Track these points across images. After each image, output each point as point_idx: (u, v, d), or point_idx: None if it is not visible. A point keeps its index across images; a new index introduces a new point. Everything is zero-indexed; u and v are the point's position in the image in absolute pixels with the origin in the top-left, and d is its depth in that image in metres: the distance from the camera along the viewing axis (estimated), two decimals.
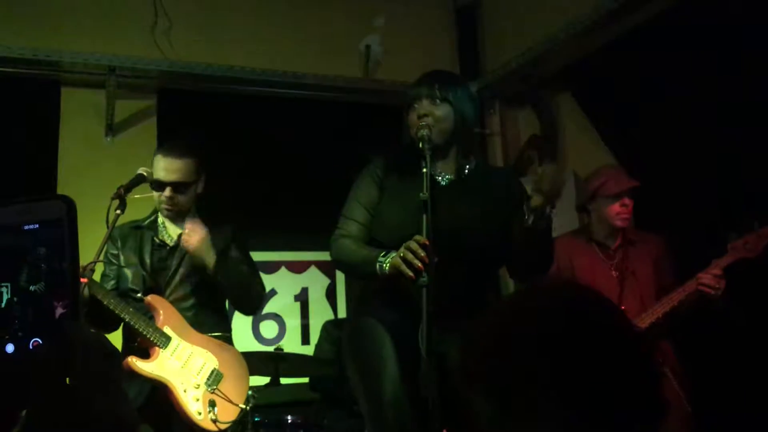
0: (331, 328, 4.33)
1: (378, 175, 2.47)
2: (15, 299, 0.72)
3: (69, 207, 0.73)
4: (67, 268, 0.72)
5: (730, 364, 3.05)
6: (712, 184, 3.36)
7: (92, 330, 0.74)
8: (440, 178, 2.42)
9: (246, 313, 3.29)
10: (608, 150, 4.04)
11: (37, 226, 0.73)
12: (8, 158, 3.91)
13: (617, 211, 3.17)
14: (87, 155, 4.18)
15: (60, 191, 3.93)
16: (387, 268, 2.19)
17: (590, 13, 3.93)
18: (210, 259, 2.89)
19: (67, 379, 0.68)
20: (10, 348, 0.71)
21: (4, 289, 0.72)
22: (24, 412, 0.67)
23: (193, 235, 2.87)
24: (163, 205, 2.98)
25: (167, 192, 2.94)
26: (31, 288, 0.72)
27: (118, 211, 2.78)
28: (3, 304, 0.72)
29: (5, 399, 0.69)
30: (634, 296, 3.07)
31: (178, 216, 3.03)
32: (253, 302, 3.13)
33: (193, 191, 3.03)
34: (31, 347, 0.71)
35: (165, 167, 2.94)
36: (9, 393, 0.69)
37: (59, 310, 0.71)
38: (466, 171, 2.45)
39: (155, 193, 2.98)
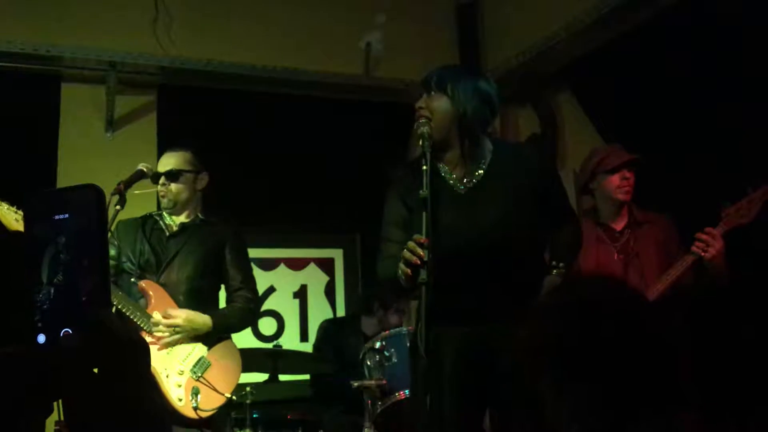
0: (328, 326, 4.34)
1: (400, 191, 2.43)
2: (40, 289, 0.72)
3: (98, 197, 0.74)
4: (96, 256, 0.72)
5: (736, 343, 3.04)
6: (713, 182, 3.36)
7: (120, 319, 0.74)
8: (454, 180, 2.35)
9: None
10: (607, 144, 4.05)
11: (68, 215, 0.73)
12: (8, 153, 3.91)
13: (617, 184, 3.13)
14: (87, 151, 4.18)
15: (60, 186, 3.93)
16: (404, 279, 2.17)
17: (590, 12, 3.92)
18: (205, 328, 2.93)
19: (95, 368, 0.68)
20: (41, 338, 0.72)
21: (31, 279, 0.73)
22: (61, 402, 0.68)
23: (182, 330, 2.88)
24: (161, 195, 3.06)
25: (161, 180, 3.03)
26: (54, 278, 0.72)
27: (118, 207, 2.80)
28: (30, 294, 0.73)
29: (38, 388, 0.70)
30: (638, 279, 3.04)
31: (176, 208, 3.08)
32: (249, 324, 3.30)
33: (189, 183, 3.08)
34: (61, 337, 0.71)
35: (162, 161, 3.08)
36: (42, 383, 0.70)
37: (82, 300, 0.71)
38: (481, 171, 2.36)
39: (157, 188, 3.07)
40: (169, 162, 3.06)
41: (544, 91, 4.74)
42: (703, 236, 2.86)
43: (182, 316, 2.87)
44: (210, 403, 2.85)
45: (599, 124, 4.25)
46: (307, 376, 4.24)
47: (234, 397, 2.97)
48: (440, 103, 2.30)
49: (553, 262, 2.27)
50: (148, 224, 3.08)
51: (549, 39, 4.24)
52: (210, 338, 2.97)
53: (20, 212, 2.61)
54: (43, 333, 0.72)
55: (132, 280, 2.95)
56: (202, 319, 2.92)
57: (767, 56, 3.16)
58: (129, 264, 2.99)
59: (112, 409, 0.67)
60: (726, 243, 2.86)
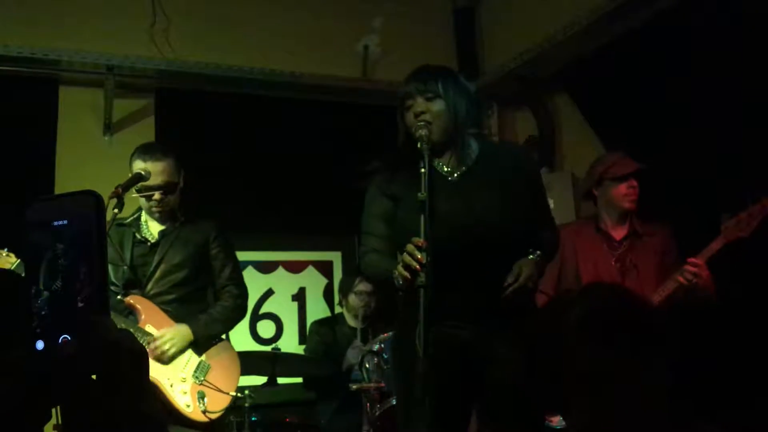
0: (318, 327, 4.35)
1: (385, 187, 2.43)
2: (38, 295, 0.72)
3: (97, 203, 0.74)
4: (95, 263, 0.72)
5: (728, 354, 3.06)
6: (711, 184, 3.36)
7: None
8: (447, 171, 2.38)
9: None
10: (605, 150, 4.05)
11: (66, 222, 0.73)
12: (6, 157, 3.91)
13: (624, 192, 3.15)
14: (85, 154, 4.18)
15: (58, 190, 3.94)
16: (401, 281, 2.17)
17: (587, 15, 3.94)
18: (193, 339, 2.93)
19: (93, 376, 0.68)
20: (39, 345, 0.72)
21: (33, 286, 0.73)
22: (59, 409, 0.68)
23: (170, 348, 2.87)
24: (154, 208, 2.98)
25: (156, 196, 2.95)
26: (52, 285, 0.72)
27: (116, 210, 2.79)
28: (30, 300, 0.73)
29: (36, 396, 0.69)
30: (635, 289, 3.05)
31: (168, 215, 3.04)
32: (238, 321, 3.20)
33: (179, 189, 3.04)
34: (59, 344, 0.71)
35: (150, 171, 2.93)
36: (40, 390, 0.70)
37: (80, 306, 0.71)
38: (471, 159, 2.40)
39: (141, 199, 2.98)
40: (160, 172, 2.94)
41: (541, 93, 4.75)
42: (690, 269, 2.88)
43: (165, 338, 2.87)
44: (217, 404, 2.88)
45: (596, 126, 4.26)
46: (305, 379, 4.23)
47: (239, 395, 3.00)
48: (440, 108, 2.33)
49: (530, 249, 2.28)
50: (126, 238, 3.01)
51: (546, 42, 4.25)
52: (201, 346, 2.97)
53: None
54: (42, 339, 0.72)
55: (118, 297, 2.92)
56: (185, 331, 2.91)
57: (766, 57, 3.17)
58: (113, 277, 2.96)
59: (111, 415, 0.67)
60: (724, 256, 2.87)
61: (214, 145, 4.39)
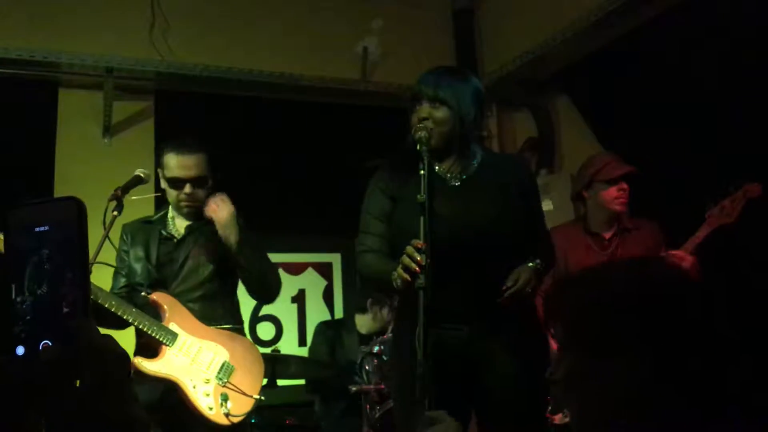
0: (324, 328, 4.34)
1: (385, 185, 2.44)
2: (21, 301, 0.72)
3: (79, 209, 0.73)
4: (78, 268, 0.72)
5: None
6: (711, 186, 3.36)
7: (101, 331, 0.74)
8: (449, 177, 2.38)
9: (264, 300, 3.24)
10: (605, 152, 4.05)
11: (48, 227, 0.73)
12: (6, 159, 3.91)
13: (615, 195, 3.16)
14: (84, 157, 4.18)
15: (57, 193, 3.94)
16: (399, 283, 2.17)
17: (587, 16, 3.94)
18: (234, 236, 2.86)
19: (77, 381, 0.68)
20: (20, 350, 0.71)
21: (12, 291, 0.73)
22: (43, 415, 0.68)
23: (223, 207, 2.86)
24: (183, 203, 2.93)
25: (187, 189, 2.90)
26: (37, 290, 0.72)
27: (115, 213, 2.78)
28: (10, 306, 0.72)
29: (16, 401, 0.69)
30: None
31: (197, 212, 2.97)
32: (273, 288, 3.07)
33: (209, 186, 3.00)
34: (40, 349, 0.71)
35: (181, 164, 2.90)
36: (20, 395, 0.69)
37: (64, 311, 0.71)
38: (473, 166, 2.40)
39: (172, 192, 2.93)
40: (192, 166, 2.91)
41: (541, 95, 4.75)
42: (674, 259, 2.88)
43: (228, 208, 2.88)
44: (241, 407, 2.79)
45: (596, 127, 4.26)
46: (304, 381, 4.23)
47: (263, 398, 2.90)
48: (444, 114, 2.31)
49: (530, 256, 2.28)
50: (153, 235, 2.96)
51: (545, 43, 4.26)
52: (225, 339, 2.89)
53: None
54: (23, 344, 0.71)
55: (142, 294, 2.87)
56: (236, 230, 2.88)
57: (766, 58, 3.17)
58: (139, 276, 2.92)
59: (94, 420, 0.66)
60: (711, 243, 2.88)
61: (214, 147, 4.38)
